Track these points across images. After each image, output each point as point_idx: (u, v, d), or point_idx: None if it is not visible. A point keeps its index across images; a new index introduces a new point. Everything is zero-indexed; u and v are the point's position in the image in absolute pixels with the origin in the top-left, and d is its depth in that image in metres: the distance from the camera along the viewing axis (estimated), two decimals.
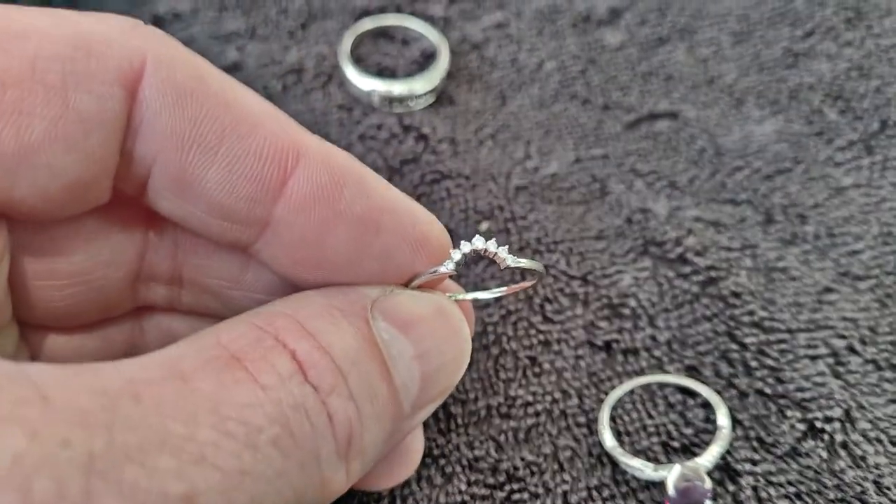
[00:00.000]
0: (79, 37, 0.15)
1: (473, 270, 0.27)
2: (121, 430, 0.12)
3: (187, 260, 0.20)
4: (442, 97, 0.33)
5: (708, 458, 0.23)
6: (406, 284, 0.19)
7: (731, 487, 0.23)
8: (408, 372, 0.17)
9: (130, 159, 0.16)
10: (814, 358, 0.25)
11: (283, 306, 0.17)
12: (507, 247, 0.19)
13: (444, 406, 0.24)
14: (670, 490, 0.22)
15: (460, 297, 0.20)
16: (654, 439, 0.24)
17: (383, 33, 0.35)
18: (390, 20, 0.34)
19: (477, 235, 0.19)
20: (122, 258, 0.19)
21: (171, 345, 0.15)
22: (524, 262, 0.19)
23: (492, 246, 0.19)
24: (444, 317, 0.18)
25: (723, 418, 0.23)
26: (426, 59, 0.34)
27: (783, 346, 0.25)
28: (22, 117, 0.14)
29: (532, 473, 0.23)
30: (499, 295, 0.21)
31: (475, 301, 0.25)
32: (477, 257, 0.19)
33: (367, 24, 0.34)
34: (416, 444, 0.22)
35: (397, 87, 0.31)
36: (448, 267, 0.18)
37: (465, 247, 0.18)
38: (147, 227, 0.19)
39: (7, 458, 0.11)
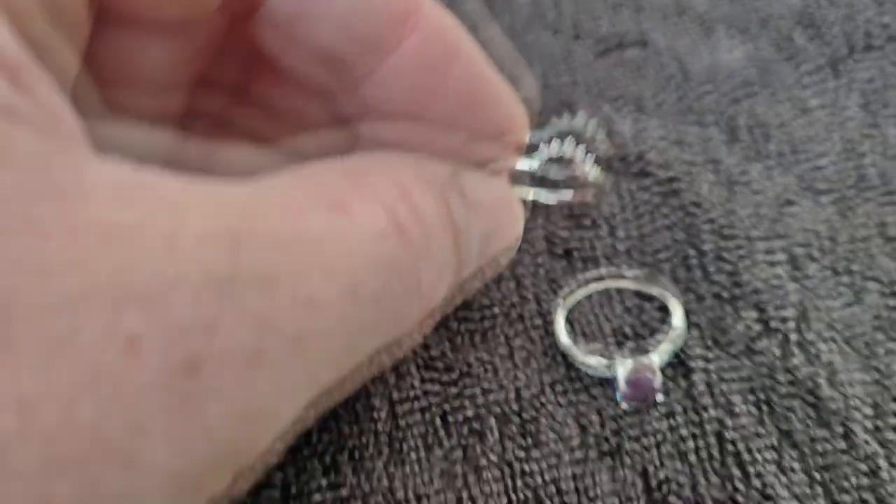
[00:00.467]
0: None
1: None
2: (246, 255, 0.12)
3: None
4: None
5: (660, 354, 0.23)
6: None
7: (684, 383, 0.23)
8: (469, 249, 0.17)
9: None
10: (772, 263, 0.25)
11: (377, 163, 0.17)
12: (592, 156, 0.19)
13: None
14: (621, 383, 0.22)
15: (526, 196, 0.21)
16: (610, 339, 0.24)
17: None
18: None
19: (570, 138, 0.19)
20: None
21: (274, 175, 0.15)
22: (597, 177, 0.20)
23: (579, 154, 0.19)
24: (508, 206, 0.19)
25: (677, 319, 0.23)
26: None
27: (741, 251, 0.25)
28: None
29: (486, 371, 0.23)
30: (561, 200, 0.22)
31: None
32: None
33: None
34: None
35: None
36: (529, 165, 0.19)
37: (553, 148, 0.19)
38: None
39: (147, 274, 0.11)
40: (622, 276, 0.25)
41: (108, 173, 0.12)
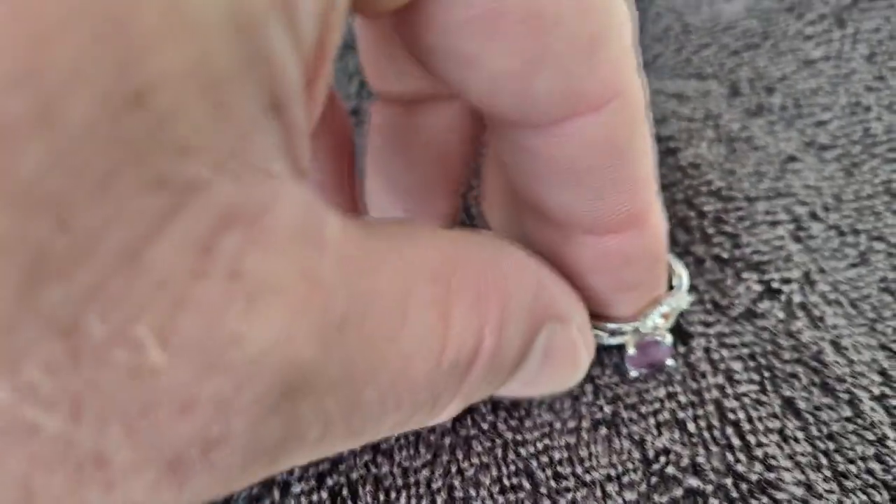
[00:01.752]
0: None
1: None
2: (357, 302, 0.12)
3: None
4: None
5: (665, 316, 0.21)
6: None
7: (682, 349, 0.22)
8: (531, 380, 0.18)
9: None
10: (773, 224, 0.23)
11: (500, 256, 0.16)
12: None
13: None
14: (629, 349, 0.21)
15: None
16: None
17: None
18: None
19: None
20: None
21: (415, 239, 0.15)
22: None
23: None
24: (577, 365, 0.19)
25: (681, 279, 0.22)
26: None
27: (741, 213, 0.24)
28: None
29: None
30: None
31: None
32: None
33: None
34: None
35: None
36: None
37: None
38: None
39: (277, 328, 0.11)
40: None
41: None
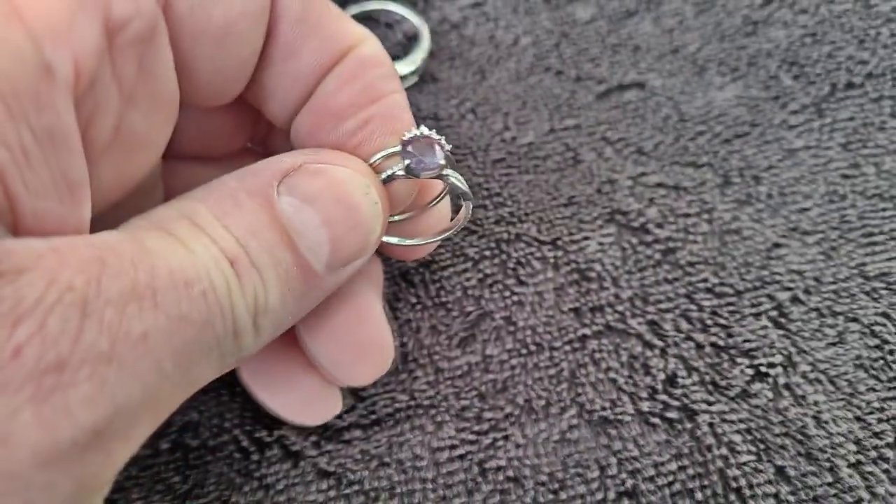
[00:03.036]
0: None
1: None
2: (106, 278, 0.15)
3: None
4: (425, 76, 0.35)
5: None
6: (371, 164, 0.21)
7: (689, 425, 0.26)
8: (315, 237, 0.19)
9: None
10: (757, 315, 0.28)
11: (199, 192, 0.20)
12: (450, 147, 0.21)
13: (432, 361, 0.27)
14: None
15: (391, 241, 0.23)
16: None
17: (368, 17, 0.37)
18: (374, 4, 0.36)
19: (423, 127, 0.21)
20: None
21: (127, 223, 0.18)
22: (461, 184, 0.21)
23: (434, 134, 0.21)
24: (341, 187, 0.20)
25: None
26: (409, 40, 0.36)
27: (731, 307, 0.28)
28: (227, 1, 0.19)
29: (512, 424, 0.26)
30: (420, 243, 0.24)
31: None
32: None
33: (353, 9, 0.36)
34: (385, 338, 0.25)
35: None
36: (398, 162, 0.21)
37: (415, 131, 0.21)
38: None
39: (31, 299, 0.14)
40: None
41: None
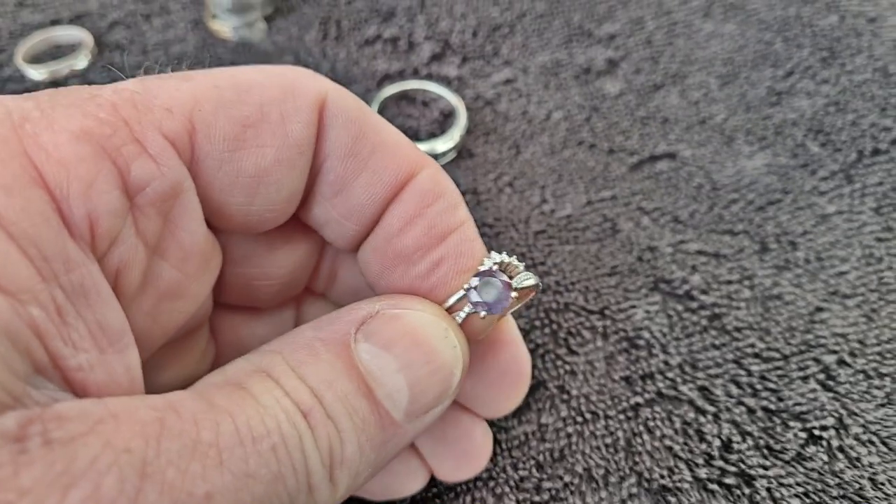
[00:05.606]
0: (285, 83, 0.19)
1: None
2: (166, 439, 0.15)
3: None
4: (462, 152, 0.36)
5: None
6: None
7: (748, 490, 0.26)
8: (393, 383, 0.19)
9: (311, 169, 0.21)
10: (805, 378, 0.28)
11: (275, 344, 0.20)
12: (523, 263, 0.21)
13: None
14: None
15: (463, 314, 0.23)
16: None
17: (405, 96, 0.38)
18: (410, 84, 0.38)
19: (493, 252, 0.21)
20: (307, 261, 0.24)
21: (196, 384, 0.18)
22: (530, 281, 0.21)
23: (514, 259, 0.21)
24: (419, 332, 0.20)
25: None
26: (445, 117, 0.37)
27: (779, 371, 0.28)
28: (258, 149, 0.19)
29: (571, 493, 0.27)
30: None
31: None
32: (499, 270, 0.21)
33: (391, 89, 0.38)
34: (485, 441, 0.25)
35: (422, 148, 0.35)
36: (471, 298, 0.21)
37: (487, 263, 0.21)
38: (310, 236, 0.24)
39: (86, 461, 0.14)
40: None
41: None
